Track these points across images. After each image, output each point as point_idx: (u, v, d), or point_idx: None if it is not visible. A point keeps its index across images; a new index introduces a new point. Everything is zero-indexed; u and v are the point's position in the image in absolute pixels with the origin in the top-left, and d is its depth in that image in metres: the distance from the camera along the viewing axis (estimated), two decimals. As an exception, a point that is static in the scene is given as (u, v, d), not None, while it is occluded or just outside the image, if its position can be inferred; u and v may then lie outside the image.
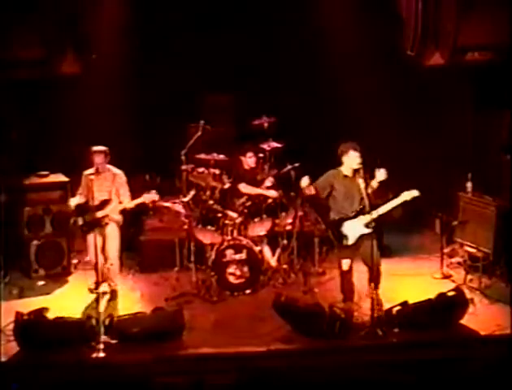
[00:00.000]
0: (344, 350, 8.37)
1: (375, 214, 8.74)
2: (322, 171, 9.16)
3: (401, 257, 10.85)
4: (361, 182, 8.73)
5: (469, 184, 10.38)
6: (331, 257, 10.58)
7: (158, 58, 12.28)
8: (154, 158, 12.10)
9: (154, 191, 9.44)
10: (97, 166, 9.44)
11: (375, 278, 8.82)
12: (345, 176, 8.95)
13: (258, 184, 10.47)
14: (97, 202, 9.26)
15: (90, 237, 9.44)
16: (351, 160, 8.86)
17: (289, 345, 8.45)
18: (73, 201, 9.64)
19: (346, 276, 9.13)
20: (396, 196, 8.88)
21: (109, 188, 9.46)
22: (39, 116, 11.32)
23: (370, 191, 8.82)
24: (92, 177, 9.13)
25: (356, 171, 8.84)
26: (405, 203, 8.86)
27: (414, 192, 8.78)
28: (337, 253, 9.20)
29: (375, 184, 8.85)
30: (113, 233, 9.45)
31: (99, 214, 9.32)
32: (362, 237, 8.89)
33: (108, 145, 9.59)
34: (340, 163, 8.99)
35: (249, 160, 10.41)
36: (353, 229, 8.88)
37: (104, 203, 9.35)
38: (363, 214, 8.80)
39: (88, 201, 9.37)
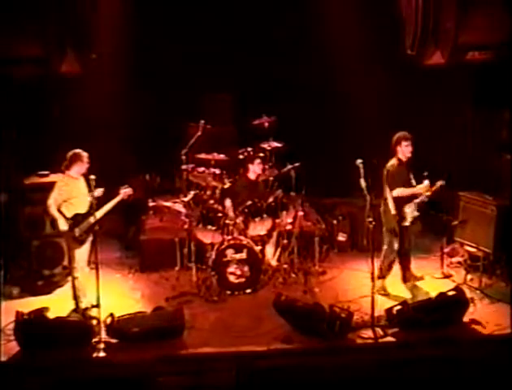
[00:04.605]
0: (344, 350, 8.37)
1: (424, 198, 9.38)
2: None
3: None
4: None
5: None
6: (331, 257, 10.62)
7: (158, 57, 12.27)
8: (154, 158, 12.10)
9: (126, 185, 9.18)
10: (86, 170, 9.03)
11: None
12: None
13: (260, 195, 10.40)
14: (85, 207, 8.93)
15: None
16: (405, 150, 9.41)
17: (289, 345, 8.44)
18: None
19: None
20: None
21: (84, 190, 9.06)
22: (39, 116, 11.31)
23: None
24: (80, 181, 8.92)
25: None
26: None
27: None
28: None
29: None
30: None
31: (92, 219, 8.86)
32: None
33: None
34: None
35: (256, 167, 10.42)
36: (411, 211, 9.38)
37: (94, 207, 8.87)
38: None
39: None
